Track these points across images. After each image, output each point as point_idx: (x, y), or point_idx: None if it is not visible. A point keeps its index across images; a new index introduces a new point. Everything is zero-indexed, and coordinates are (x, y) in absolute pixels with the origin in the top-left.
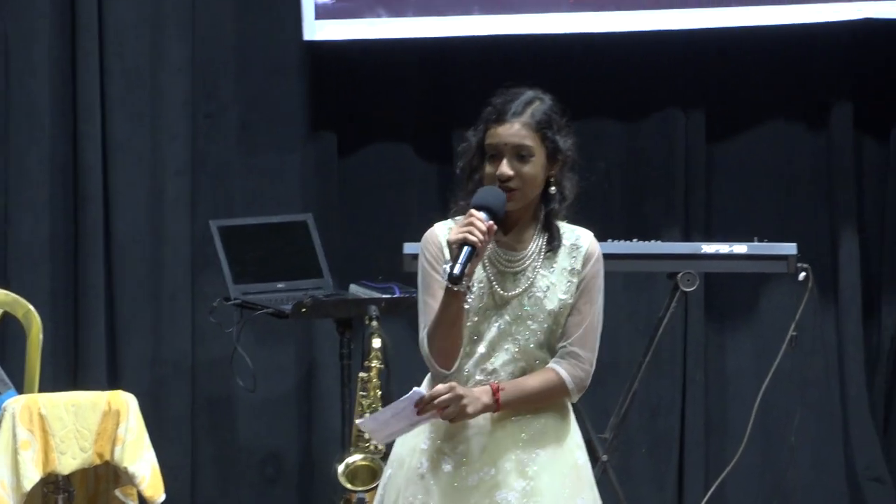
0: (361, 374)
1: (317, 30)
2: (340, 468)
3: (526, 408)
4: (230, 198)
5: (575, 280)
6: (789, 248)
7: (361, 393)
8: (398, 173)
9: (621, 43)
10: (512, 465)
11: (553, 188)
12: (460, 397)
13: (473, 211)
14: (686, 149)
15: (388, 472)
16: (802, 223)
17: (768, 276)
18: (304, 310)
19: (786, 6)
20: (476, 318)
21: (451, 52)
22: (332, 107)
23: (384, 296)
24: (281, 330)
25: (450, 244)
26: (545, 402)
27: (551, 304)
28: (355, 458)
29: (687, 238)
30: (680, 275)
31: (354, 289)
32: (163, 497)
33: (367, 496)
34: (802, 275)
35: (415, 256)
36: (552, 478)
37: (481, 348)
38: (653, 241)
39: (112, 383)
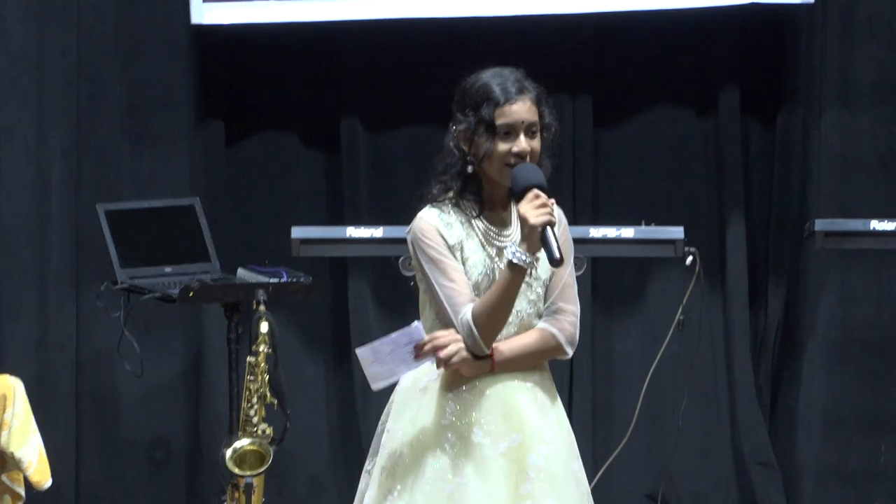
0: (249, 359)
1: (204, 13)
2: (228, 453)
3: (520, 365)
4: (117, 182)
5: None
6: (677, 233)
7: (249, 377)
8: (285, 159)
9: (508, 26)
10: (534, 430)
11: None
12: (456, 339)
13: (539, 192)
14: (574, 134)
15: (383, 461)
16: (690, 208)
17: (656, 260)
18: (191, 294)
19: None
20: None
21: (340, 36)
22: (219, 91)
23: (272, 280)
24: (168, 314)
25: (533, 228)
26: (540, 359)
27: (544, 273)
28: (243, 443)
29: (574, 222)
30: None
31: (242, 273)
32: (49, 482)
33: (254, 480)
34: (690, 259)
35: (303, 241)
36: (561, 441)
37: None
38: None
39: None
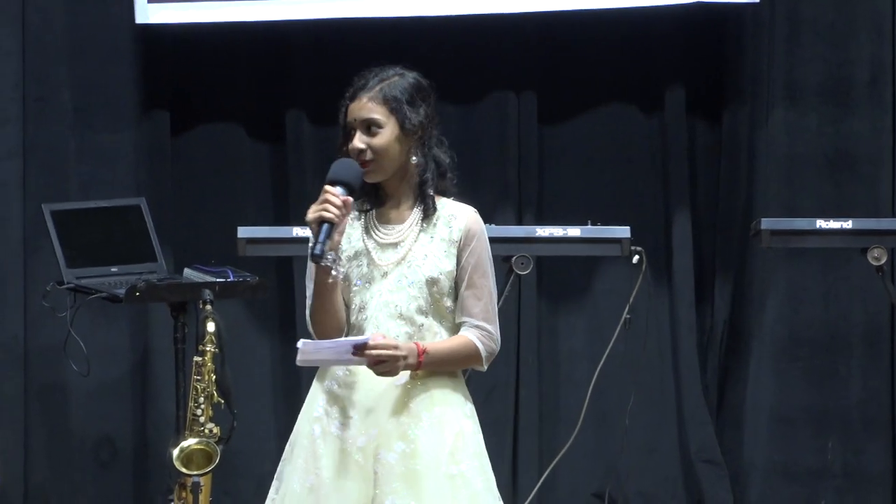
0: (196, 358)
1: (150, 13)
2: (175, 452)
3: (443, 369)
4: (64, 182)
5: (453, 250)
6: (623, 232)
7: (196, 377)
8: (232, 156)
9: (454, 25)
10: (394, 427)
11: (414, 159)
12: (398, 358)
13: (328, 187)
14: (519, 131)
15: (288, 447)
16: (636, 207)
17: (602, 259)
18: (137, 294)
19: None
20: (357, 288)
21: (286, 34)
22: (165, 91)
23: (218, 280)
24: (115, 314)
25: (309, 224)
26: (459, 366)
27: (429, 272)
28: (190, 442)
29: (520, 221)
30: (514, 258)
31: (188, 273)
32: None
33: (202, 480)
34: (636, 258)
35: (249, 240)
36: (432, 442)
37: (366, 316)
38: (487, 225)
39: None
